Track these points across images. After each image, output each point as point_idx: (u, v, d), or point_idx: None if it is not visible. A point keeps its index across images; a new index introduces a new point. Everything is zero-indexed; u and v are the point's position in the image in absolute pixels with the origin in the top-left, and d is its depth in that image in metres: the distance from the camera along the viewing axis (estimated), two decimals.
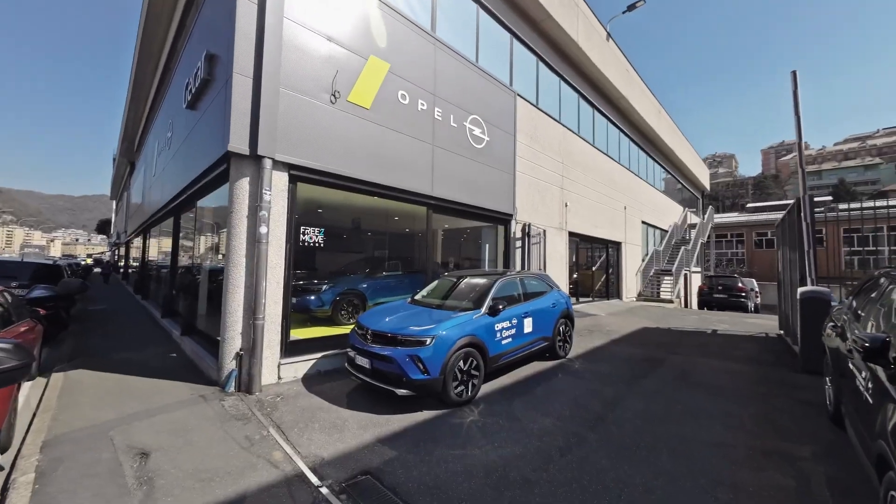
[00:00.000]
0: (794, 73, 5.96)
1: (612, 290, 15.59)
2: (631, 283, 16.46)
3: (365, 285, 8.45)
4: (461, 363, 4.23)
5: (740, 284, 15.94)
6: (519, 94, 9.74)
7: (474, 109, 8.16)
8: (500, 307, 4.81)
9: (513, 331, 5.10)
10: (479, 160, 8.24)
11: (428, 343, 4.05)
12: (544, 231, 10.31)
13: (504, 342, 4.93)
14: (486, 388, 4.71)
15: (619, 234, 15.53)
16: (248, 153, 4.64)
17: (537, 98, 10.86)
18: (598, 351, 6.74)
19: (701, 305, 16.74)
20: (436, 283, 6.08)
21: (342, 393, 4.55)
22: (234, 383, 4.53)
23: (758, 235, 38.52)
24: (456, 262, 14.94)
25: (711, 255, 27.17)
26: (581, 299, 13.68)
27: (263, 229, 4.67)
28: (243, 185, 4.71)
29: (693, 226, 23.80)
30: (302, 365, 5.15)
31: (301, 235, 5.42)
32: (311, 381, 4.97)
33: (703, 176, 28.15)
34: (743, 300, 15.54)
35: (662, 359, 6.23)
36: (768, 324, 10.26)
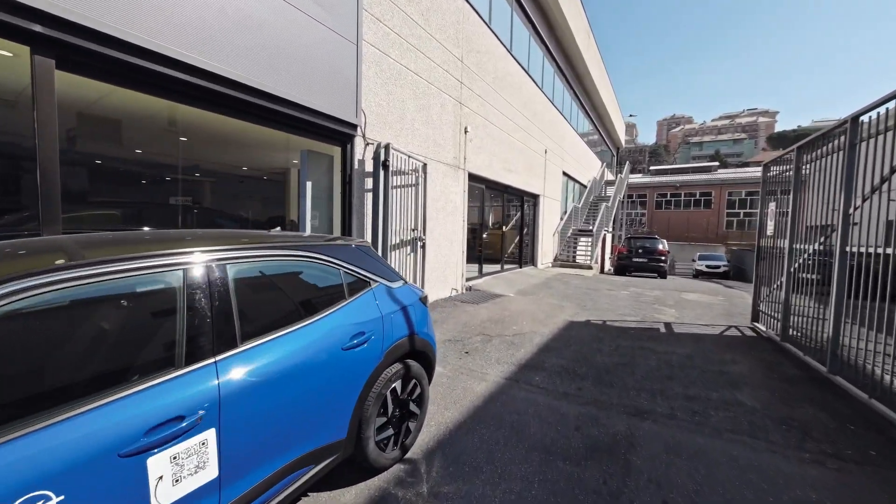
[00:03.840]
0: None
1: (525, 254, 12.50)
2: (548, 245, 13.61)
3: None
4: None
5: (661, 247, 14.07)
6: None
7: None
8: None
9: None
10: None
11: None
12: (424, 165, 6.15)
13: None
14: None
15: (538, 185, 12.22)
16: None
17: None
18: (487, 415, 3.02)
19: (620, 270, 14.76)
20: None
21: None
22: None
23: (659, 196, 40.24)
24: None
25: (622, 214, 26.45)
26: (486, 269, 10.21)
27: None
28: None
29: (611, 182, 22.10)
30: None
31: None
32: None
33: (621, 129, 26.63)
34: (662, 264, 13.75)
35: (625, 442, 2.74)
36: (711, 301, 7.87)
